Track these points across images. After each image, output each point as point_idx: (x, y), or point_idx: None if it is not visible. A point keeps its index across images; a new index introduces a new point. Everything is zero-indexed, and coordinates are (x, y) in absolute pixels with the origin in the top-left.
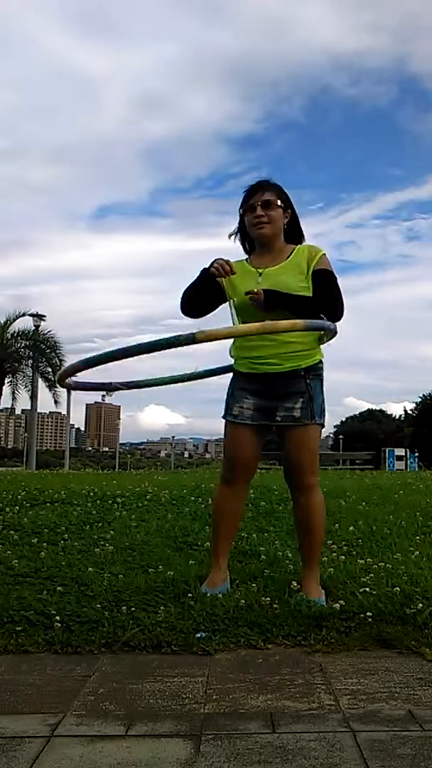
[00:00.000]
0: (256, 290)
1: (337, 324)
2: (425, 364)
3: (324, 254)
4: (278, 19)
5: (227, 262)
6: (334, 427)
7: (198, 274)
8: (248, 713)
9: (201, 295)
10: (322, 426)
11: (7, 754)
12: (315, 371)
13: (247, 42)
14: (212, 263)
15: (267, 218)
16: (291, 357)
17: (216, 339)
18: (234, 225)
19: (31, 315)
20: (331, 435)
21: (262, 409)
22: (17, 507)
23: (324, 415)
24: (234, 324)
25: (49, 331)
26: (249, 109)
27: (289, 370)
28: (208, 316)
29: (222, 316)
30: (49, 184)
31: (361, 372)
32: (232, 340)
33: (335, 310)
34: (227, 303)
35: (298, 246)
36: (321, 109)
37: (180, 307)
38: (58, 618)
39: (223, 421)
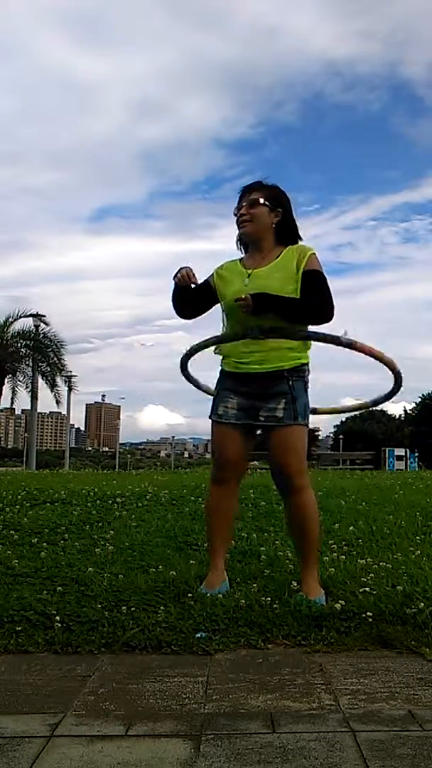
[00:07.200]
0: (244, 296)
1: (329, 324)
2: (424, 364)
3: (313, 254)
4: (272, 25)
5: (189, 270)
6: (334, 427)
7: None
8: (248, 713)
9: (184, 301)
10: (306, 427)
11: (7, 754)
12: (298, 373)
13: (242, 48)
14: (176, 273)
15: (249, 216)
16: (274, 357)
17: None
18: (230, 228)
19: (31, 315)
20: (331, 435)
21: (246, 409)
22: (17, 507)
23: (307, 417)
24: (224, 326)
25: (50, 329)
26: (244, 114)
27: (271, 371)
28: (204, 315)
29: (215, 317)
30: (47, 187)
31: (360, 372)
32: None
33: (324, 312)
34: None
35: (289, 246)
36: (315, 113)
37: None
38: (58, 618)
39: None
